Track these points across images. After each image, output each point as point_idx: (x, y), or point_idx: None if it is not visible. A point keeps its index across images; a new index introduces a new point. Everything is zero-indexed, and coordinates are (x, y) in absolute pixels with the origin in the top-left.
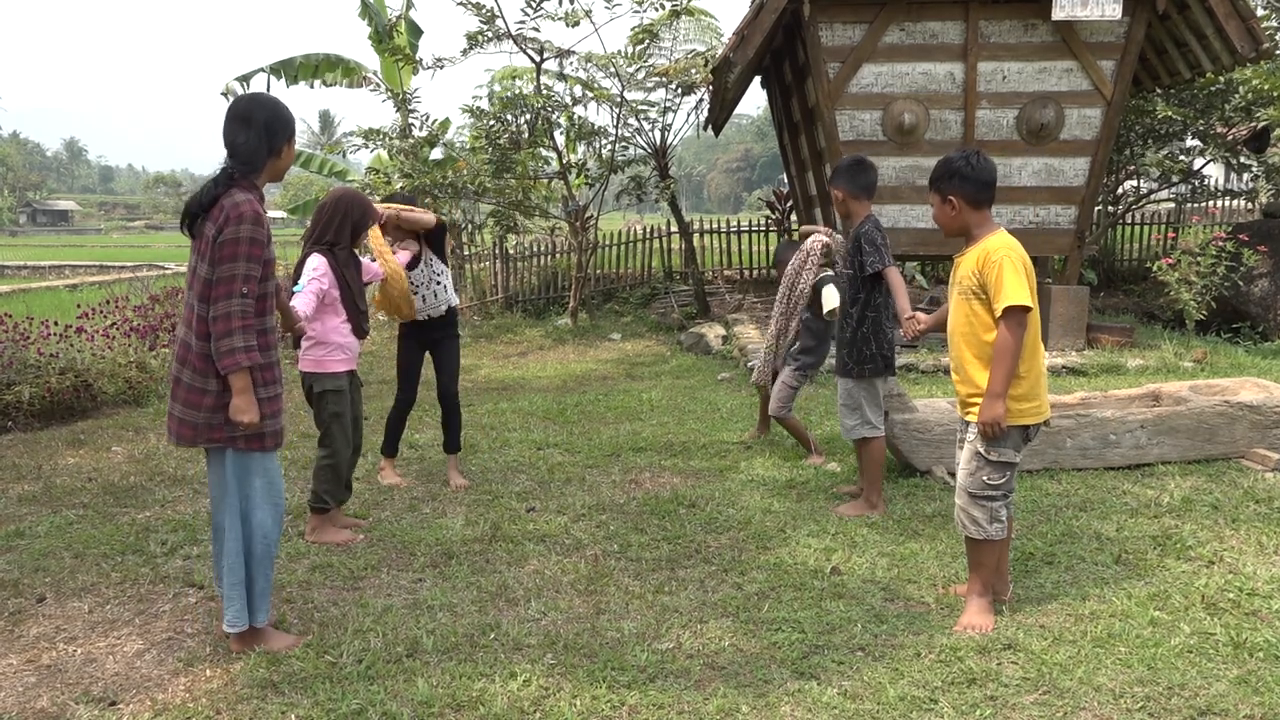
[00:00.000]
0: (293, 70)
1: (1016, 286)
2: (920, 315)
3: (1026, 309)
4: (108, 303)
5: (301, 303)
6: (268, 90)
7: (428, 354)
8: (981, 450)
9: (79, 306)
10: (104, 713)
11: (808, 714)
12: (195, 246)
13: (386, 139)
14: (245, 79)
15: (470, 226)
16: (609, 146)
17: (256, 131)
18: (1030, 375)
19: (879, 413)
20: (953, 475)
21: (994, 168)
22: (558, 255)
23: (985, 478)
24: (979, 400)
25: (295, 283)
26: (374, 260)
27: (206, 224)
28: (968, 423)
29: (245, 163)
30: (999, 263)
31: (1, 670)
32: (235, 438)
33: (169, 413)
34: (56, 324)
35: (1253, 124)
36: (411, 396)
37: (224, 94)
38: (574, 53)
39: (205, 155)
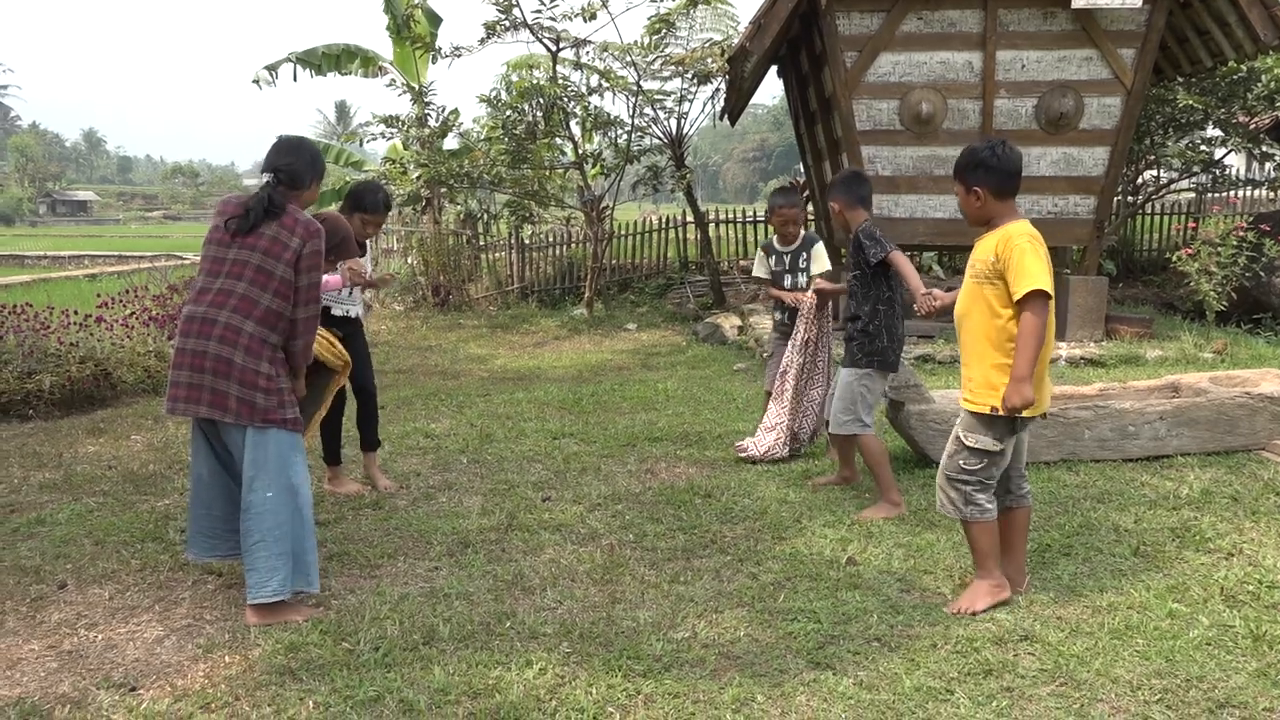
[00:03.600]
0: (316, 60)
1: (1039, 271)
2: (937, 291)
3: (1048, 294)
4: (127, 292)
5: None
6: (295, 80)
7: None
8: (961, 435)
9: (98, 296)
10: (125, 698)
11: (823, 704)
12: (250, 243)
13: (403, 127)
14: (273, 68)
15: (486, 217)
16: (625, 136)
17: (304, 160)
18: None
19: (870, 412)
20: None
21: (1019, 157)
22: (573, 245)
23: (962, 462)
24: (974, 385)
25: None
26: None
27: (274, 228)
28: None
29: (291, 179)
30: (1021, 248)
31: (24, 655)
32: (287, 419)
33: (213, 389)
34: (76, 313)
35: (1275, 113)
36: (341, 397)
37: (255, 82)
38: (590, 42)
39: (222, 146)
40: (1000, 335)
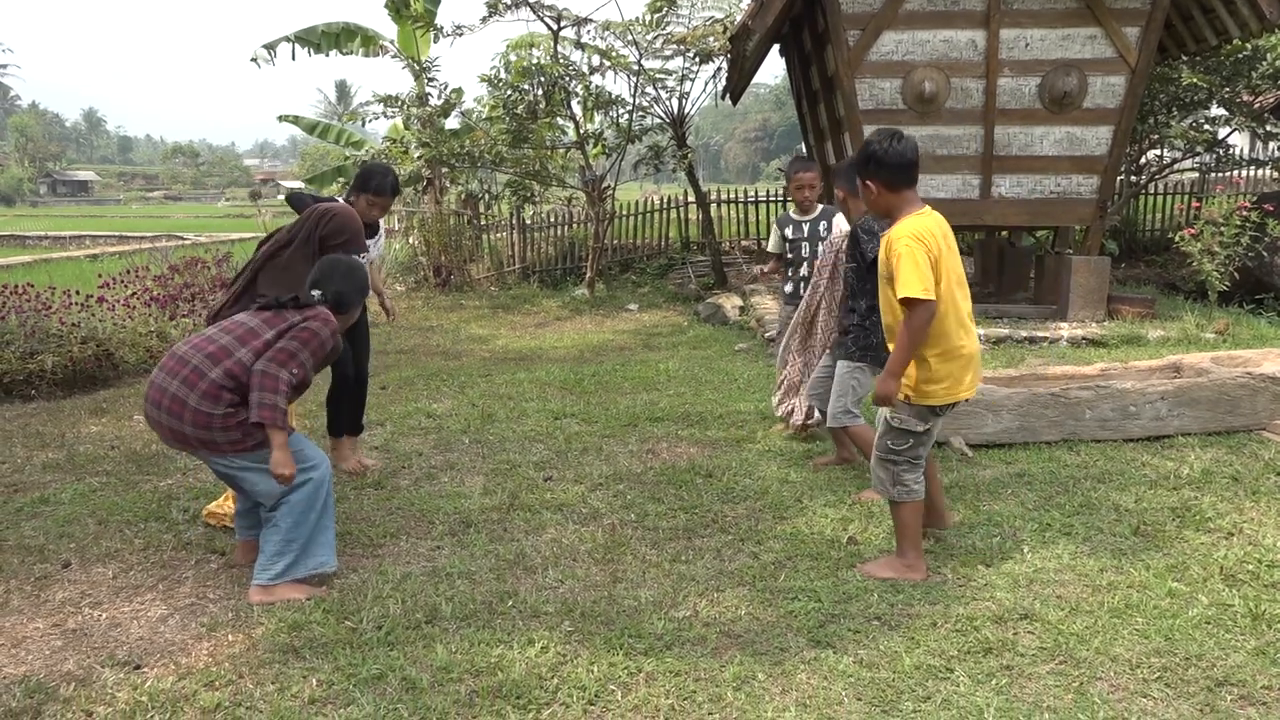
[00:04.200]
0: (315, 39)
1: (911, 278)
2: None
3: (920, 301)
4: (128, 272)
5: None
6: (293, 59)
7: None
8: (887, 416)
9: (100, 276)
10: (129, 676)
11: (824, 682)
12: (260, 315)
13: (405, 107)
14: (272, 47)
15: (487, 197)
16: (626, 116)
17: (354, 287)
18: (939, 360)
19: (859, 403)
20: (970, 446)
21: (911, 149)
22: (575, 226)
23: (890, 442)
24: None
25: None
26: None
27: (290, 314)
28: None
29: (337, 304)
30: (899, 253)
31: (29, 634)
32: (261, 442)
33: (170, 427)
34: (78, 294)
35: (1279, 91)
36: (346, 373)
37: (254, 61)
38: (591, 20)
39: (222, 126)
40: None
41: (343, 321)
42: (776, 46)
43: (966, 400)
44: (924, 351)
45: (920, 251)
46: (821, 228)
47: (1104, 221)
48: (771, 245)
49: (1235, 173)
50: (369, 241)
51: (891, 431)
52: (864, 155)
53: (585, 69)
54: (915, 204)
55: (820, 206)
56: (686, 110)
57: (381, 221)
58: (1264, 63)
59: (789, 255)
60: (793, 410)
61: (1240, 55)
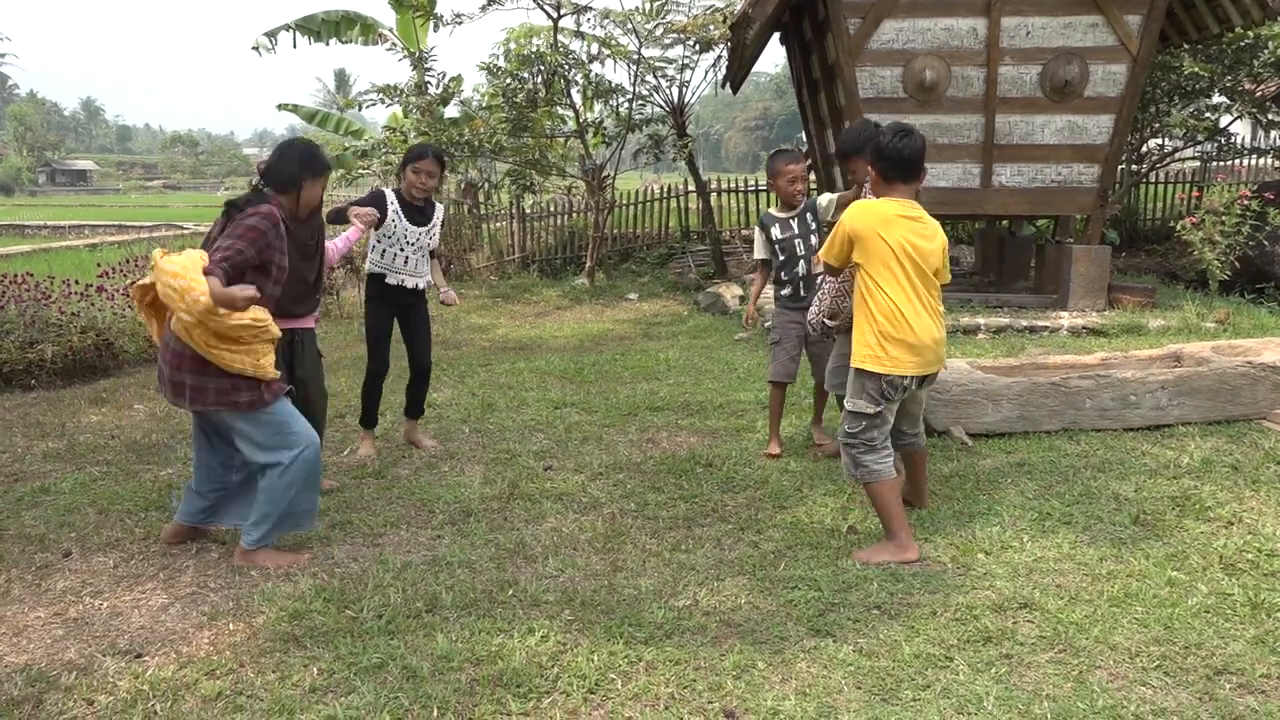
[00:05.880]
0: (315, 27)
1: (828, 247)
2: None
3: (827, 264)
4: (127, 262)
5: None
6: (294, 47)
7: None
8: (845, 400)
9: (99, 266)
10: (130, 665)
11: (824, 671)
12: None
13: (403, 96)
14: (272, 35)
15: (487, 186)
16: (626, 104)
17: (290, 159)
18: (873, 328)
19: None
20: (969, 435)
21: (912, 149)
22: (575, 215)
23: (846, 426)
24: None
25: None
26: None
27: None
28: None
29: (277, 182)
30: (839, 223)
31: (30, 623)
32: (254, 402)
33: (174, 379)
34: (77, 283)
35: None
36: (384, 365)
37: (254, 49)
38: (591, 9)
39: (222, 115)
40: (859, 303)
41: (293, 200)
42: (777, 35)
43: (912, 379)
44: (873, 316)
45: (848, 232)
46: (809, 220)
47: (1105, 210)
48: (759, 251)
49: (1236, 161)
50: (421, 229)
51: (847, 416)
52: (873, 141)
53: (585, 57)
54: (899, 196)
55: (804, 199)
56: (687, 99)
57: (439, 206)
58: (1266, 51)
59: (781, 256)
60: None
61: (1242, 43)
